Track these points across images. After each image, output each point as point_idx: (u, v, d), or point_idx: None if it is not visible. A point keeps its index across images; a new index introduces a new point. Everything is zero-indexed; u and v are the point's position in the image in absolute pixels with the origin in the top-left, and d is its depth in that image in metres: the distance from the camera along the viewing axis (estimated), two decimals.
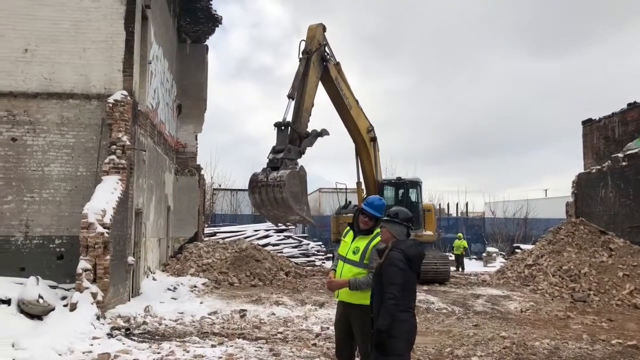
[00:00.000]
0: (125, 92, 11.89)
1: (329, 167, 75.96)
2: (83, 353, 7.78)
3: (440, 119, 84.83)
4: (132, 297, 12.52)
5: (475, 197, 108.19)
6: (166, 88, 17.36)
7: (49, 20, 12.08)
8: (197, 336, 9.28)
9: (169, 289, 13.59)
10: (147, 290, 13.24)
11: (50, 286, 10.34)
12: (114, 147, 11.53)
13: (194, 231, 20.21)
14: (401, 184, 19.17)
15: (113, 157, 11.45)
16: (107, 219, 10.29)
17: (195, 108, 21.02)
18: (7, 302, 9.46)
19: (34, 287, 9.59)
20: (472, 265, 30.52)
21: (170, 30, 18.35)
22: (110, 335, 8.98)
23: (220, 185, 39.04)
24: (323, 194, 40.52)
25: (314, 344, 8.76)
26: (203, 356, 7.76)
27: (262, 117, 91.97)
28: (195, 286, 14.12)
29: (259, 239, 29.93)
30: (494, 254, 32.57)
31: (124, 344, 8.48)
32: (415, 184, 19.33)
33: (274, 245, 29.50)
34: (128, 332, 9.38)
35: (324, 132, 14.29)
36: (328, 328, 10.06)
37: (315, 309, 11.78)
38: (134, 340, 8.90)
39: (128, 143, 11.62)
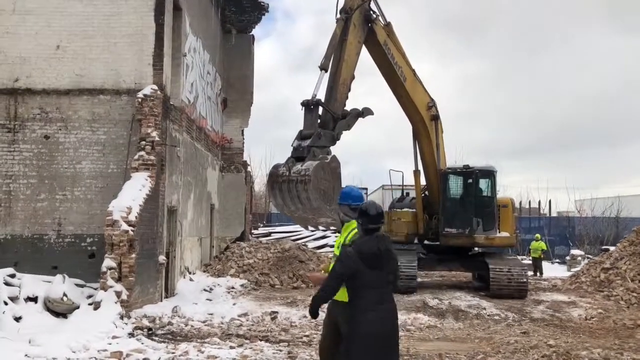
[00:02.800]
0: (155, 87, 12.49)
1: (397, 160, 75.23)
2: (98, 351, 8.32)
3: (528, 108, 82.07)
4: (166, 297, 13.15)
5: (559, 194, 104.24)
6: (207, 81, 17.99)
7: (81, 15, 12.89)
8: (220, 337, 9.69)
9: (205, 290, 14.15)
10: (183, 290, 13.84)
11: (79, 285, 11.06)
12: (144, 143, 12.14)
13: (241, 230, 20.83)
14: (469, 174, 16.47)
15: (142, 153, 12.07)
16: (132, 217, 10.88)
17: (241, 102, 21.62)
18: (35, 299, 10.22)
19: (59, 285, 10.31)
20: (554, 270, 29.57)
21: (213, 20, 18.97)
22: (131, 335, 9.52)
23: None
24: (387, 191, 40.37)
25: None
26: (217, 357, 8.13)
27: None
28: (232, 287, 14.62)
29: (316, 239, 30.39)
30: (579, 258, 31.38)
31: (142, 343, 8.99)
32: (488, 174, 16.68)
33: (331, 246, 29.82)
34: (151, 332, 9.91)
35: (366, 112, 12.59)
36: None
37: None
38: (155, 340, 9.40)
39: (157, 139, 12.21)
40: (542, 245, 27.21)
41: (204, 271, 16.69)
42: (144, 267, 11.39)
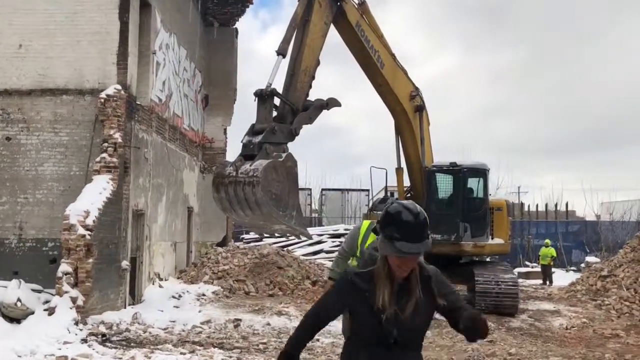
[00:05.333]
0: (118, 87, 13.22)
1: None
2: (45, 356, 9.08)
3: (562, 103, 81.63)
4: (132, 304, 13.88)
5: (576, 197, 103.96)
6: (184, 78, 18.70)
7: (44, 13, 13.64)
8: (175, 344, 10.40)
9: (173, 297, 14.85)
10: (150, 297, 14.56)
11: (36, 290, 11.82)
12: (106, 144, 12.88)
13: (223, 235, 21.54)
14: (457, 172, 15.76)
15: (104, 155, 12.80)
16: (90, 221, 11.61)
17: (223, 99, 22.27)
18: None
19: (14, 291, 11.07)
20: (568, 278, 29.95)
21: (191, 14, 19.68)
22: (84, 341, 10.27)
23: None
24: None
25: None
26: None
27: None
28: (203, 294, 15.31)
29: (310, 244, 31.06)
30: (594, 265, 31.78)
31: (93, 349, 9.73)
32: (478, 172, 16.01)
33: (327, 252, 30.48)
34: (105, 338, 10.63)
35: (331, 103, 11.98)
36: (318, 340, 10.86)
37: None
38: (107, 346, 10.13)
39: (120, 140, 12.93)
40: (552, 251, 27.35)
41: (178, 277, 17.40)
42: (103, 272, 12.11)
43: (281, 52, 11.33)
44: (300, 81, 11.59)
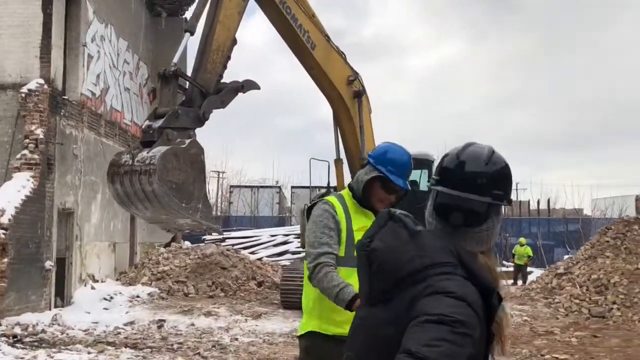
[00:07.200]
0: (41, 81, 13.61)
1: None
2: None
3: (577, 93, 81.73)
4: (61, 305, 14.30)
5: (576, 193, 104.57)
6: (124, 71, 19.10)
7: None
8: (89, 345, 10.84)
9: (105, 299, 15.26)
10: (80, 299, 14.96)
11: None
12: (27, 141, 13.27)
13: (171, 235, 21.92)
14: None
15: (25, 152, 13.20)
16: (5, 219, 12.01)
17: None
18: None
19: None
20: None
21: (134, 4, 20.06)
22: None
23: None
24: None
25: (198, 354, 10.07)
26: None
27: None
28: (138, 296, 15.73)
29: (275, 245, 31.46)
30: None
31: (0, 350, 10.15)
32: (422, 163, 15.97)
33: (293, 253, 30.84)
34: (17, 339, 11.05)
35: (248, 86, 11.37)
36: (236, 339, 11.35)
37: (245, 320, 13.08)
38: (18, 347, 10.54)
39: (42, 136, 13.33)
40: (528, 250, 27.54)
41: (117, 279, 17.80)
42: (22, 272, 12.51)
43: (189, 29, 10.67)
44: (211, 61, 10.83)
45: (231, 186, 40.30)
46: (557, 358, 10.10)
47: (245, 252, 28.00)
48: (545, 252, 36.15)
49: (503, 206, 1.99)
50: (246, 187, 39.11)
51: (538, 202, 46.25)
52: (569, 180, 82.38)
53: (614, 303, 15.59)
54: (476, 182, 1.94)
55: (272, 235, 32.59)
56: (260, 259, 26.27)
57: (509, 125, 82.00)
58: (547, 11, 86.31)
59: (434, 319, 1.63)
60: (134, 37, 19.88)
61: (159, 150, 9.43)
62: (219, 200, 42.67)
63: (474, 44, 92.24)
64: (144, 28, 21.18)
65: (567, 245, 36.69)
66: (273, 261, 25.91)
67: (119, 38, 18.51)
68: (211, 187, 41.26)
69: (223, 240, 31.07)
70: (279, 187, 40.12)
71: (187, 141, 9.78)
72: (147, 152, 9.51)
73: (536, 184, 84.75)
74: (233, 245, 29.89)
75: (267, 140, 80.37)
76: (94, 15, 16.46)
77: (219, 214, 38.99)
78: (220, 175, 44.96)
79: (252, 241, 31.75)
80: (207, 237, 32.32)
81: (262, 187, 39.25)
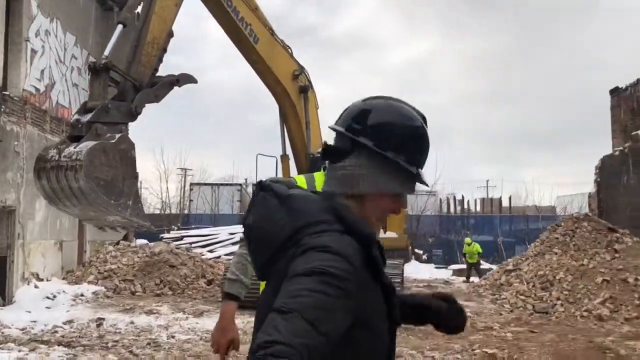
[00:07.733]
0: None
1: None
2: None
3: (553, 91, 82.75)
4: (2, 305, 14.30)
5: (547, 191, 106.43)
6: (72, 67, 19.09)
7: None
8: (21, 343, 10.92)
9: (48, 298, 15.30)
10: (22, 298, 14.99)
11: None
12: None
13: (123, 233, 21.96)
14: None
15: None
16: None
17: None
18: None
19: None
20: None
21: None
22: None
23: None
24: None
25: (130, 352, 10.22)
26: None
27: (318, 90, 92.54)
28: (82, 295, 15.80)
29: (234, 243, 31.57)
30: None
31: None
32: None
33: None
34: None
35: (184, 79, 11.33)
36: (174, 337, 11.53)
37: (186, 317, 13.25)
38: None
39: None
40: (477, 248, 28.23)
41: (64, 278, 17.82)
42: None
43: (122, 21, 10.43)
44: (145, 54, 10.71)
45: (192, 184, 40.33)
46: (486, 352, 10.42)
47: (203, 250, 28.25)
48: (506, 249, 36.77)
49: (385, 154, 1.88)
50: (206, 184, 39.21)
51: (510, 199, 46.86)
52: (545, 179, 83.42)
53: (557, 299, 16.04)
54: (343, 116, 1.95)
55: (231, 234, 32.66)
56: (217, 257, 26.53)
57: (484, 121, 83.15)
58: (523, 9, 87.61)
59: (302, 272, 1.60)
60: (82, 32, 19.86)
61: (86, 145, 9.26)
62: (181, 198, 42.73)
63: (448, 40, 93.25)
64: (93, 22, 21.15)
65: (527, 243, 37.33)
66: (230, 259, 25.97)
67: (66, 32, 18.51)
68: (174, 185, 41.25)
69: (181, 238, 31.16)
70: (240, 184, 40.19)
71: (117, 136, 9.65)
72: (74, 147, 9.34)
73: (512, 182, 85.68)
74: (191, 243, 30.03)
75: (244, 137, 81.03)
76: (38, 9, 16.45)
77: (177, 212, 39.12)
78: (187, 172, 45.06)
79: (210, 239, 31.85)
80: (166, 235, 32.44)
81: (222, 184, 39.31)
